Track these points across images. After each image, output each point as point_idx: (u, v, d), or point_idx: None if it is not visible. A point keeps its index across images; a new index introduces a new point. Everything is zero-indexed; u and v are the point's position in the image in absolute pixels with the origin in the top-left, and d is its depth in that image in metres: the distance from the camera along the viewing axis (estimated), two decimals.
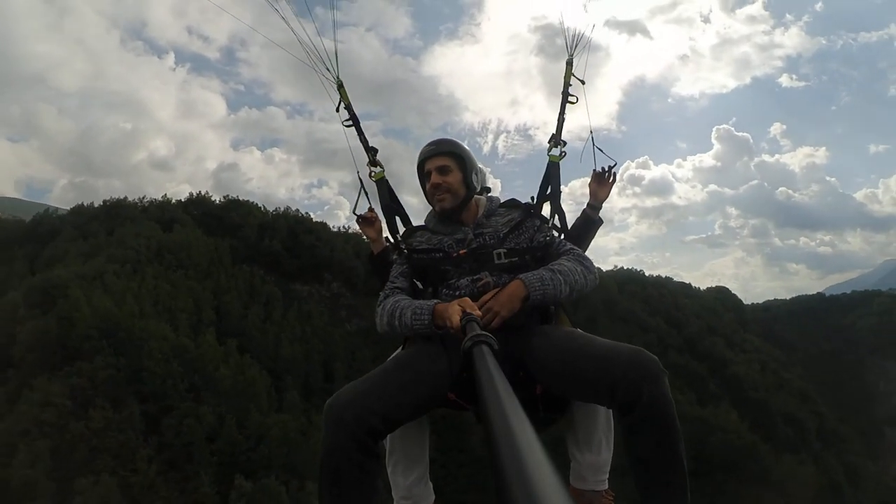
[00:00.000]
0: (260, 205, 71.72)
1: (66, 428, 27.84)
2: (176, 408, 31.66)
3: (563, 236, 2.83)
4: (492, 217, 2.68)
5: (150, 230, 52.70)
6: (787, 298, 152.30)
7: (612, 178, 3.28)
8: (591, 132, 3.31)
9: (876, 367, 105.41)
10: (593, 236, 3.28)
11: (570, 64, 3.30)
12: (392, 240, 2.94)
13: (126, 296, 37.49)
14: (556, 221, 2.96)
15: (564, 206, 3.05)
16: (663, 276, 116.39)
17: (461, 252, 2.53)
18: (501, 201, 2.83)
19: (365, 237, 3.25)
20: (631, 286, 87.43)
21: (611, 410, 2.33)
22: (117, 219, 56.56)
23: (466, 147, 2.75)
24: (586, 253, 2.78)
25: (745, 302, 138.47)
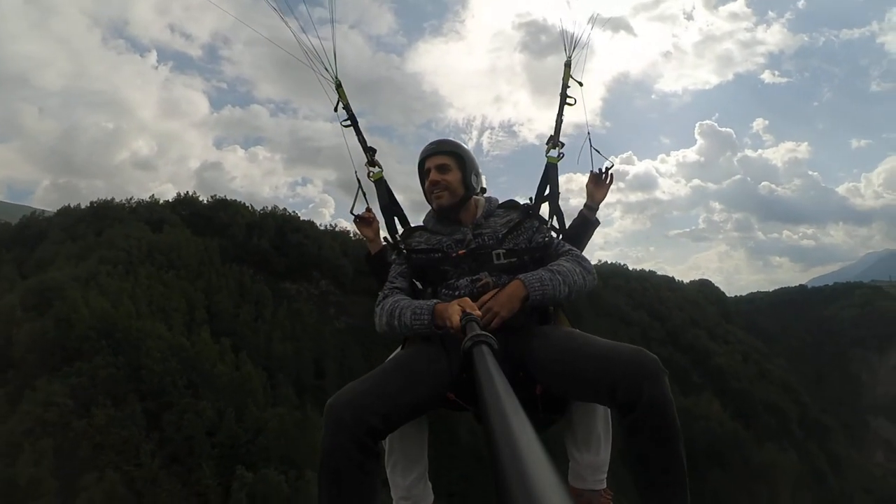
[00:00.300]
0: (248, 204, 71.33)
1: (69, 426, 28.37)
2: (176, 404, 32.29)
3: (560, 237, 2.85)
4: (490, 218, 2.71)
5: (140, 231, 52.59)
6: (771, 291, 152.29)
7: (609, 180, 3.34)
8: (589, 134, 3.34)
9: (858, 357, 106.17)
10: (591, 237, 3.31)
11: (568, 66, 3.30)
12: (391, 240, 2.94)
13: (122, 297, 37.87)
14: (555, 222, 2.99)
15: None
16: (647, 270, 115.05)
17: (460, 252, 2.55)
18: (500, 202, 2.86)
19: (364, 237, 3.29)
20: (615, 280, 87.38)
21: (609, 410, 2.37)
22: (105, 220, 55.95)
23: (468, 149, 2.78)
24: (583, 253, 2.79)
25: (729, 295, 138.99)
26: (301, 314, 54.94)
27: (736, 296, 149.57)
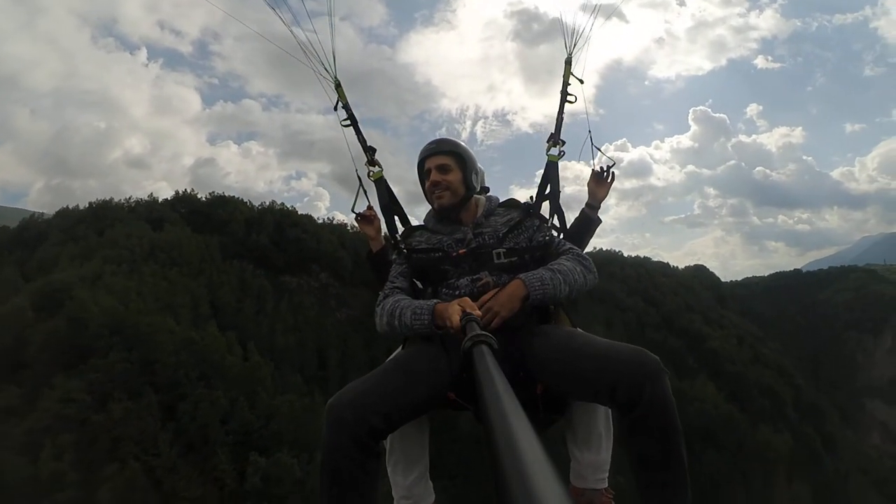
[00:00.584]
0: (246, 200, 71.44)
1: (88, 421, 29.34)
2: (189, 395, 33.36)
3: (562, 236, 2.85)
4: (491, 217, 2.69)
5: (141, 230, 52.90)
6: (766, 275, 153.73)
7: (610, 178, 3.28)
8: (590, 132, 3.30)
9: (853, 340, 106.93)
10: (592, 235, 3.27)
11: (568, 63, 3.25)
12: (392, 239, 2.92)
13: (129, 294, 38.73)
14: (556, 221, 2.96)
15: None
16: (643, 256, 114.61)
17: (461, 252, 2.53)
18: (500, 201, 2.84)
19: (365, 235, 3.28)
20: (610, 267, 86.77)
21: (610, 409, 2.34)
22: (105, 220, 55.78)
23: (468, 148, 2.75)
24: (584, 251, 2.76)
25: (725, 280, 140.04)
26: (302, 307, 55.30)
27: (731, 281, 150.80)
